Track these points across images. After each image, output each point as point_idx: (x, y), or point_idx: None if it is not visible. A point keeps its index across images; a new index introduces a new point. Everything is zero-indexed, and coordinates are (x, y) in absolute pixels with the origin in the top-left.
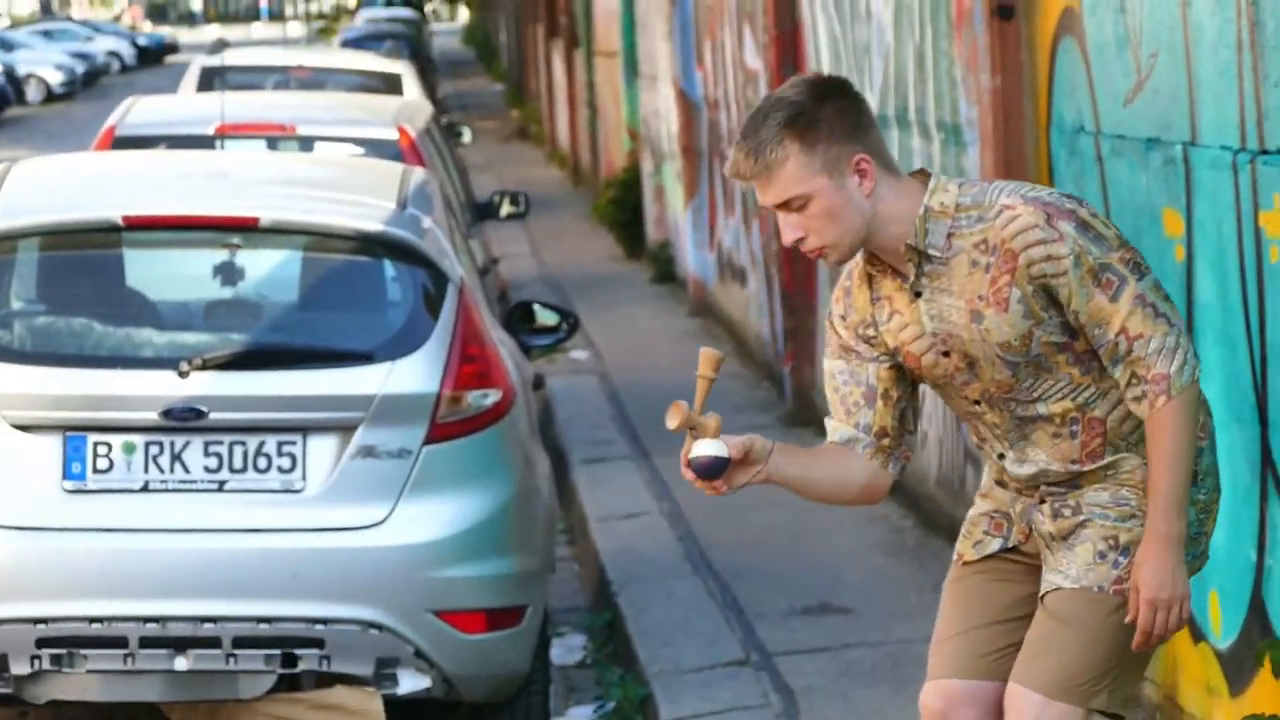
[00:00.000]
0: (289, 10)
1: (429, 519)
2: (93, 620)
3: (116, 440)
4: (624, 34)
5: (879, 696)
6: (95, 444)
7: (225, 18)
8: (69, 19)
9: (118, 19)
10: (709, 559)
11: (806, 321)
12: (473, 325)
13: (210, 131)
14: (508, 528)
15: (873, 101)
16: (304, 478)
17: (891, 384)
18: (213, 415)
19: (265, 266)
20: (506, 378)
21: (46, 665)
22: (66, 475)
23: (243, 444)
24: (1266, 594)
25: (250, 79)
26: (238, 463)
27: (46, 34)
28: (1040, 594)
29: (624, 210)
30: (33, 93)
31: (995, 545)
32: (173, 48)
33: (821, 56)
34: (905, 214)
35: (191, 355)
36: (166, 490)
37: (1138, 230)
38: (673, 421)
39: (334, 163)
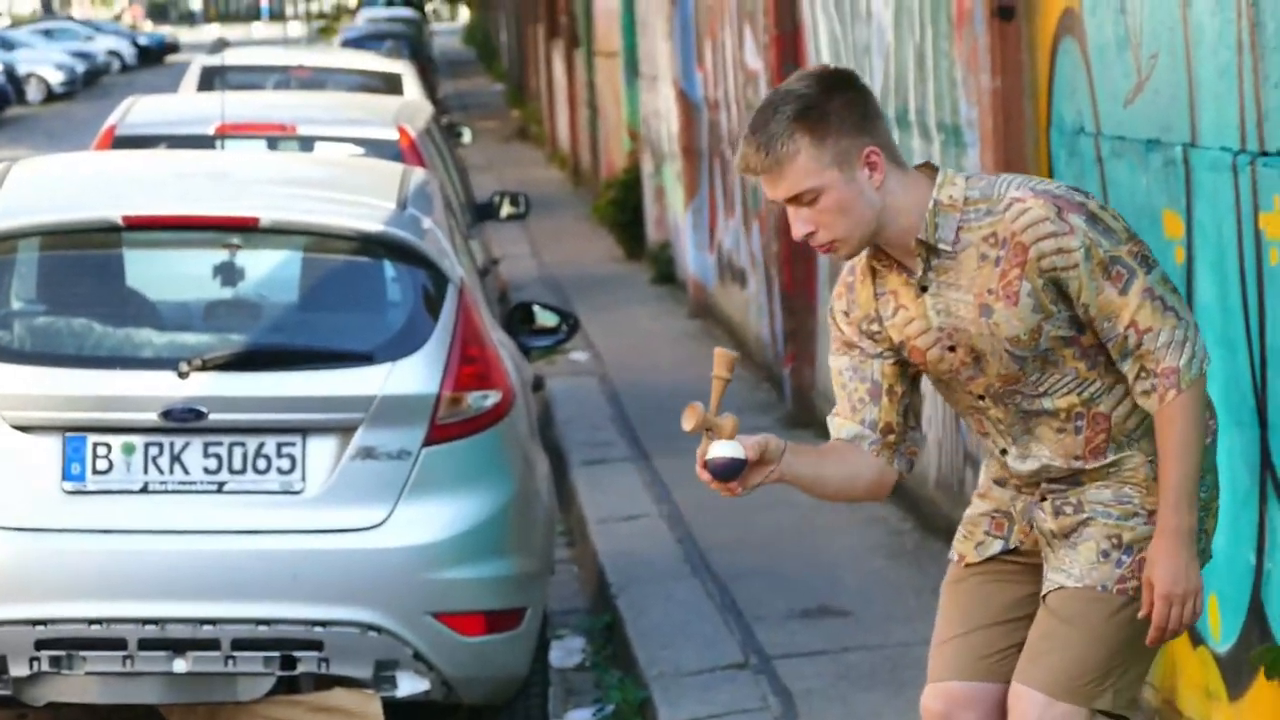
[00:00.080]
0: (289, 10)
1: (428, 521)
2: (92, 622)
3: (116, 441)
4: (624, 34)
5: (878, 700)
6: (95, 445)
7: (226, 17)
8: (70, 18)
9: (118, 18)
10: (708, 561)
11: (806, 323)
12: (473, 326)
13: (210, 131)
14: (507, 530)
15: None
16: (303, 479)
17: (896, 380)
18: (212, 416)
19: (265, 267)
20: (506, 379)
21: (45, 667)
22: (66, 476)
23: (242, 445)
24: (1266, 598)
25: (250, 79)
26: (237, 464)
27: (47, 33)
28: (1042, 593)
29: (624, 211)
30: (33, 92)
31: (997, 547)
32: (173, 47)
33: (822, 57)
34: (914, 207)
35: (191, 356)
36: (166, 491)
37: (1138, 231)
38: (689, 423)
39: (334, 163)
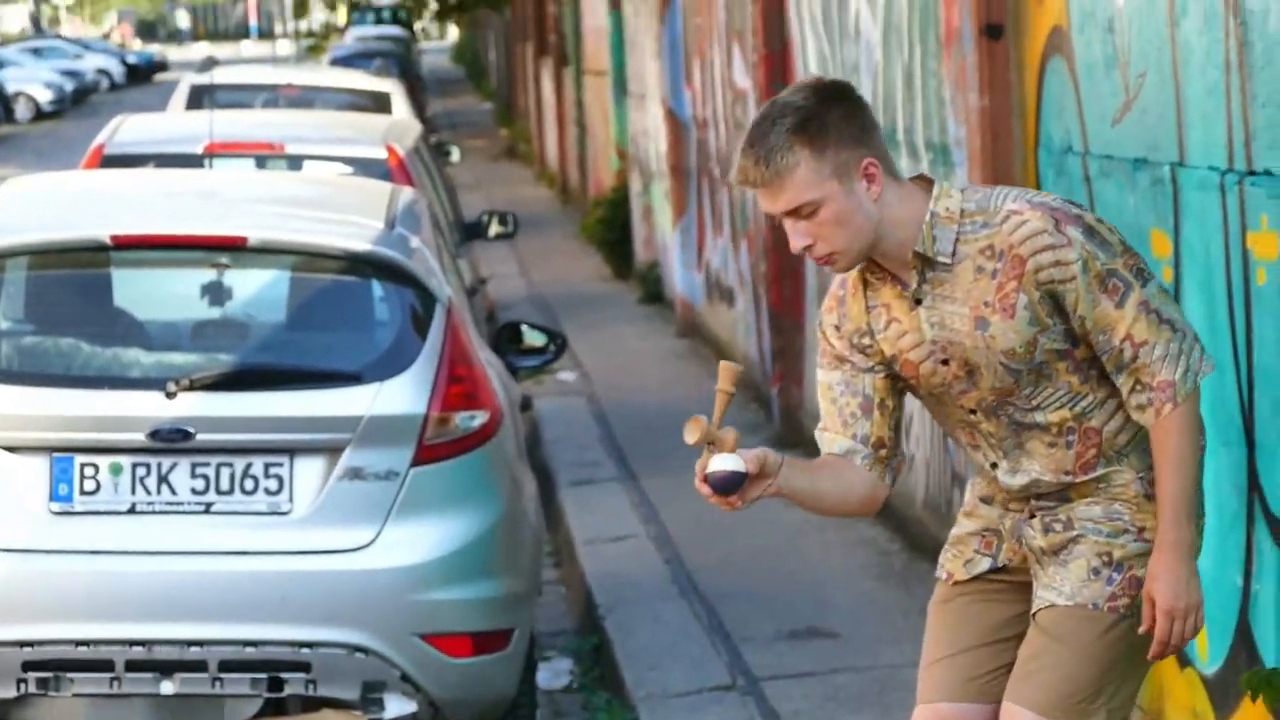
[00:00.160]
0: (278, 28)
1: (416, 541)
2: (79, 643)
3: (103, 461)
4: (613, 53)
5: None
6: (82, 465)
7: (214, 36)
8: (58, 36)
9: (107, 37)
10: (696, 582)
11: (794, 342)
12: (460, 346)
13: (199, 150)
14: (494, 550)
15: None
16: (291, 499)
17: (887, 394)
18: (200, 436)
19: (253, 286)
20: (494, 399)
21: (33, 689)
22: (53, 497)
23: (230, 465)
24: (1253, 620)
25: (239, 97)
26: (225, 484)
27: (36, 52)
28: (1032, 611)
29: (612, 230)
30: (21, 111)
31: (985, 565)
32: (162, 66)
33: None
34: (910, 219)
35: (179, 376)
36: (153, 512)
37: None
38: (691, 436)
39: (322, 182)
